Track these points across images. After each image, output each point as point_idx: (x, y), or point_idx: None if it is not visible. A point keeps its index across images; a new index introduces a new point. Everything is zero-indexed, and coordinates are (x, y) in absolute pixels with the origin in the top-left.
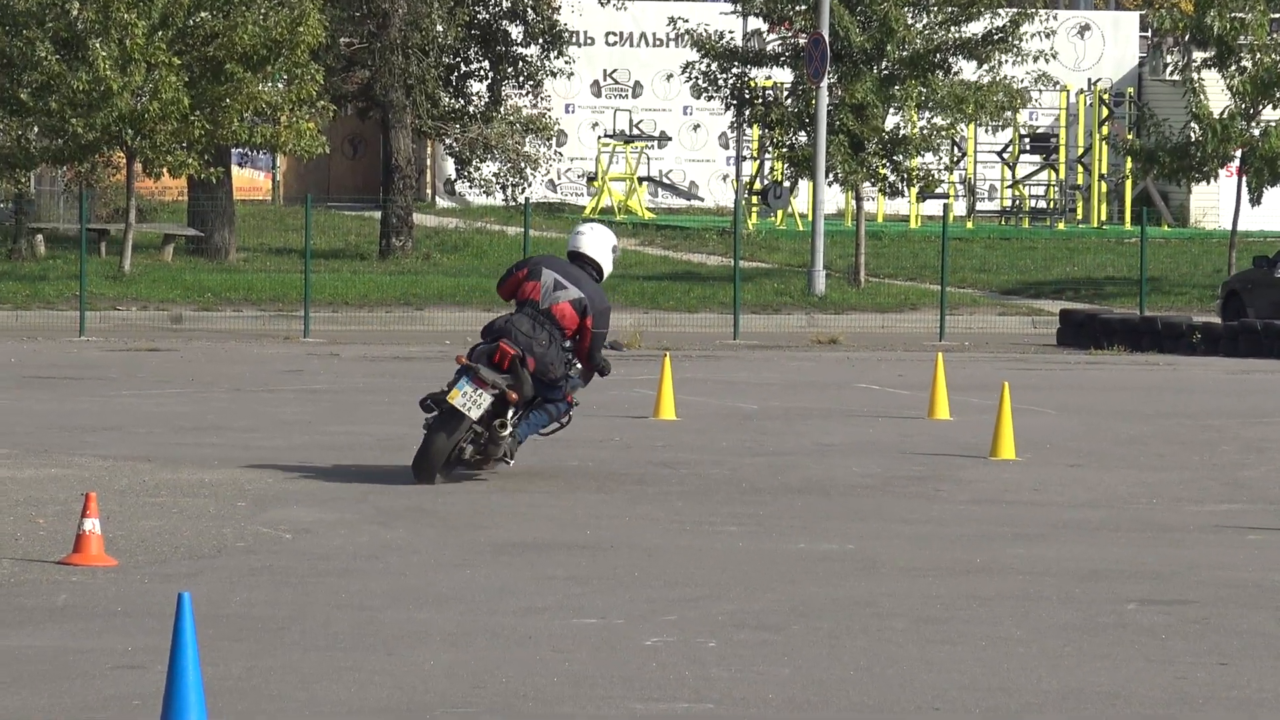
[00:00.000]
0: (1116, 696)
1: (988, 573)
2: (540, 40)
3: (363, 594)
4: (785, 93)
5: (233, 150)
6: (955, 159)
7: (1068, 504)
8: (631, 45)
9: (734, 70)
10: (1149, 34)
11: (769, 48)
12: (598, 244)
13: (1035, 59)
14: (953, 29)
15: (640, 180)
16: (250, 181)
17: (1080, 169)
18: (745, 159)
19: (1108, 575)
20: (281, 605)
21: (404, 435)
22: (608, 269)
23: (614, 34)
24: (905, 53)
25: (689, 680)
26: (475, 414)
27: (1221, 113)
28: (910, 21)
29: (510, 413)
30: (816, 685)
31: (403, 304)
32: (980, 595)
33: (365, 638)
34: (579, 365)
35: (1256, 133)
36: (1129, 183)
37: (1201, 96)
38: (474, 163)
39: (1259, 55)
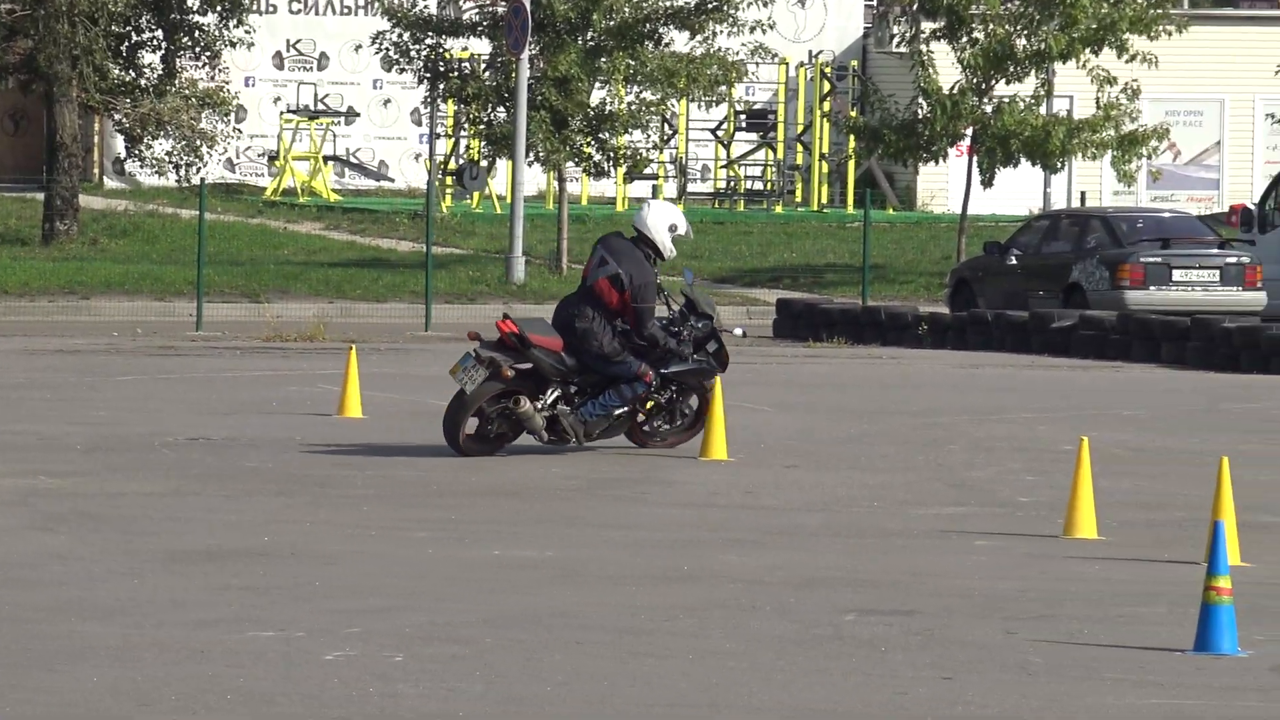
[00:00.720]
0: (833, 713)
1: (696, 581)
2: (218, 8)
3: (21, 606)
4: (483, 65)
5: None
6: (665, 137)
7: (783, 508)
8: (317, 13)
9: (428, 41)
10: (874, 3)
11: (466, 16)
12: (651, 221)
13: (752, 29)
14: None
15: (326, 159)
16: None
17: (800, 148)
18: (439, 137)
19: (825, 584)
20: None
21: (68, 434)
22: (664, 246)
23: (298, 1)
24: (613, 22)
25: (374, 697)
26: (470, 388)
27: (951, 88)
28: None
29: (551, 391)
30: (512, 702)
31: (67, 293)
32: (688, 605)
33: (24, 653)
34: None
35: (988, 109)
36: (852, 163)
37: (930, 70)
38: (145, 140)
39: (991, 26)
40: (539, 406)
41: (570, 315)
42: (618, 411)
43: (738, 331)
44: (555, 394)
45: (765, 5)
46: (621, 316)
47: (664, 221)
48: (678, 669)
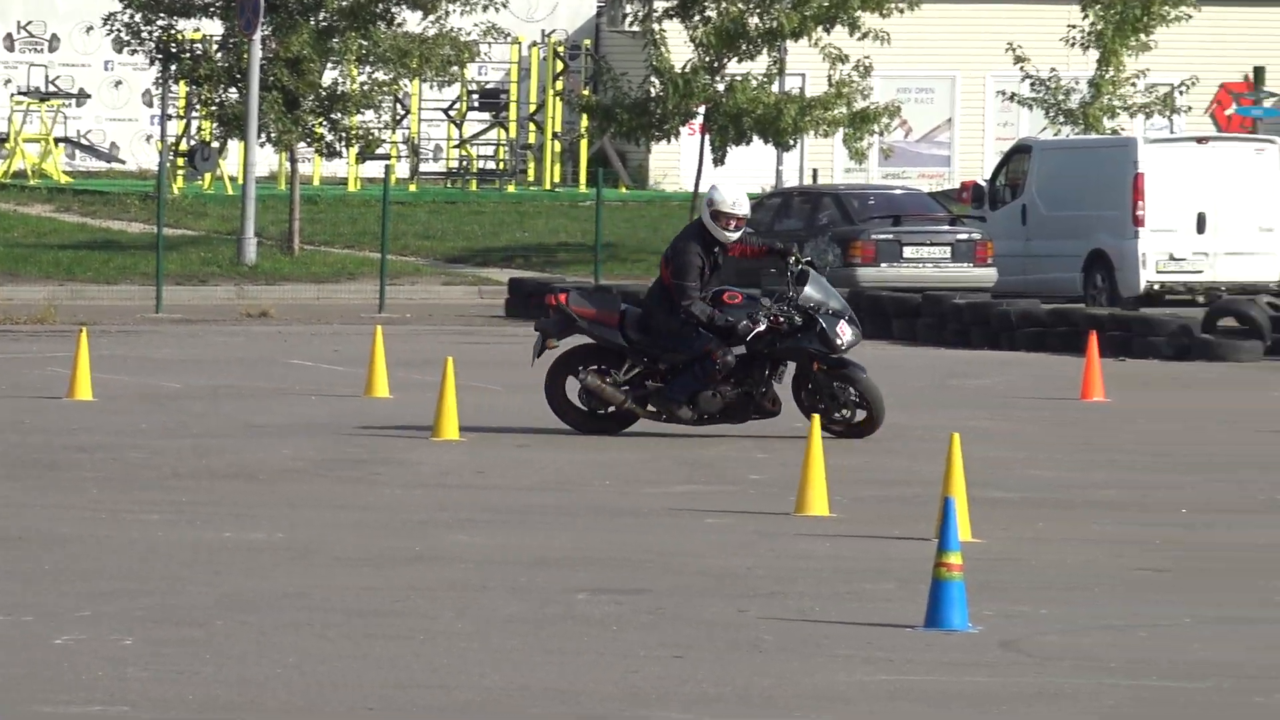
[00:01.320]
0: (565, 693)
1: (428, 561)
2: None
3: None
4: (215, 46)
5: None
6: (398, 117)
7: (514, 487)
8: None
9: (159, 22)
10: None
11: None
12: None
13: (484, 9)
14: None
15: (57, 141)
16: None
17: (532, 127)
18: (171, 118)
19: (557, 563)
20: None
21: None
22: (708, 224)
23: None
24: (345, 3)
25: (103, 681)
26: (532, 360)
27: (684, 66)
28: None
29: (628, 367)
30: (243, 684)
31: None
32: (420, 586)
33: None
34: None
35: (721, 88)
36: (584, 142)
37: (663, 49)
38: None
39: (724, 4)
40: (614, 381)
41: (648, 294)
42: (701, 392)
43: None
44: (634, 370)
45: None
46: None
47: (705, 199)
48: (409, 650)
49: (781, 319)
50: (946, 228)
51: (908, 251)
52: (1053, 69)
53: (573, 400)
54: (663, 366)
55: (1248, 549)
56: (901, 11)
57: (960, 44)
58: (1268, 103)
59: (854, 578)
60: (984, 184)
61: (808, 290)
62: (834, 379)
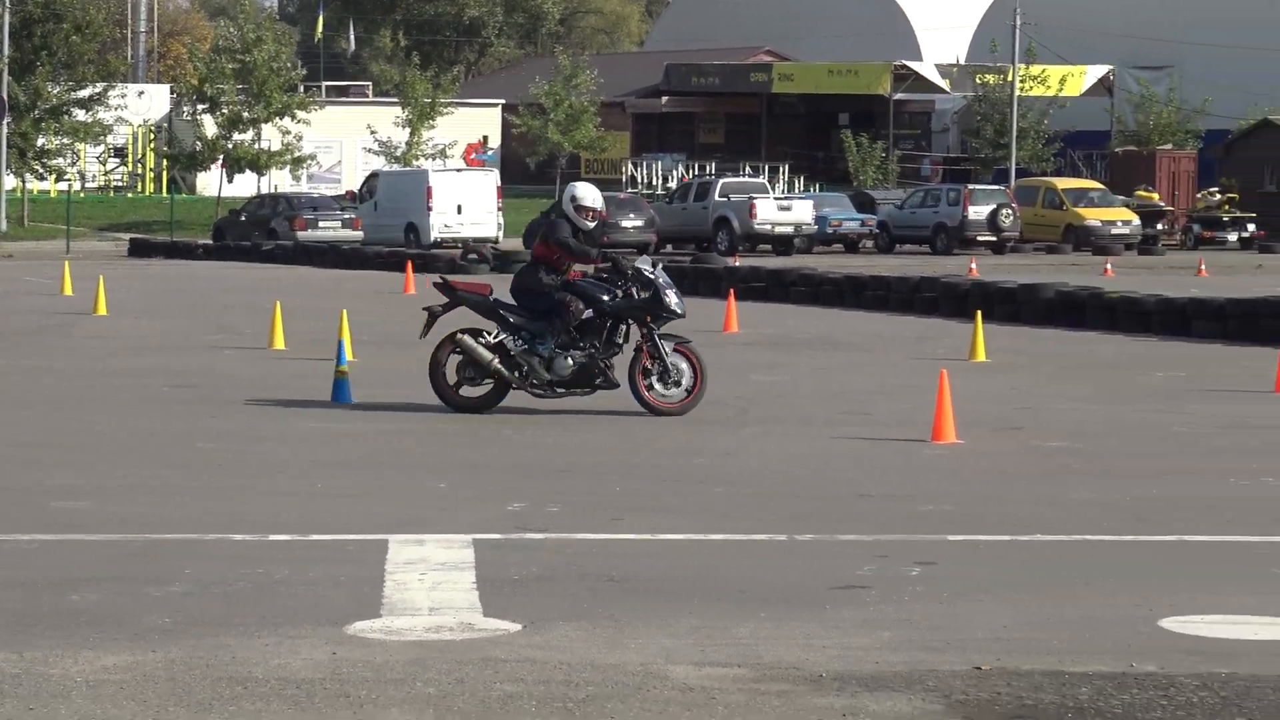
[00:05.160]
0: None
1: None
2: None
3: None
4: None
5: None
6: (74, 160)
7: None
8: None
9: None
10: None
11: None
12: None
13: (116, 109)
14: None
15: None
16: None
17: (140, 168)
18: None
19: None
20: None
21: None
22: (570, 215)
23: None
24: (49, 106)
25: None
26: (421, 335)
27: (213, 135)
28: None
29: (497, 333)
30: None
31: None
32: None
33: None
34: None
35: (230, 145)
36: (165, 173)
37: (201, 126)
38: None
39: (229, 108)
40: (485, 343)
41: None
42: (565, 352)
43: (645, 262)
44: (500, 335)
45: None
46: (547, 264)
47: (568, 194)
48: None
49: (632, 287)
50: (339, 210)
51: (322, 223)
52: (390, 137)
53: (449, 379)
54: (522, 336)
55: None
56: (321, 107)
57: (348, 124)
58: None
59: None
60: (358, 190)
61: (639, 265)
62: (667, 346)
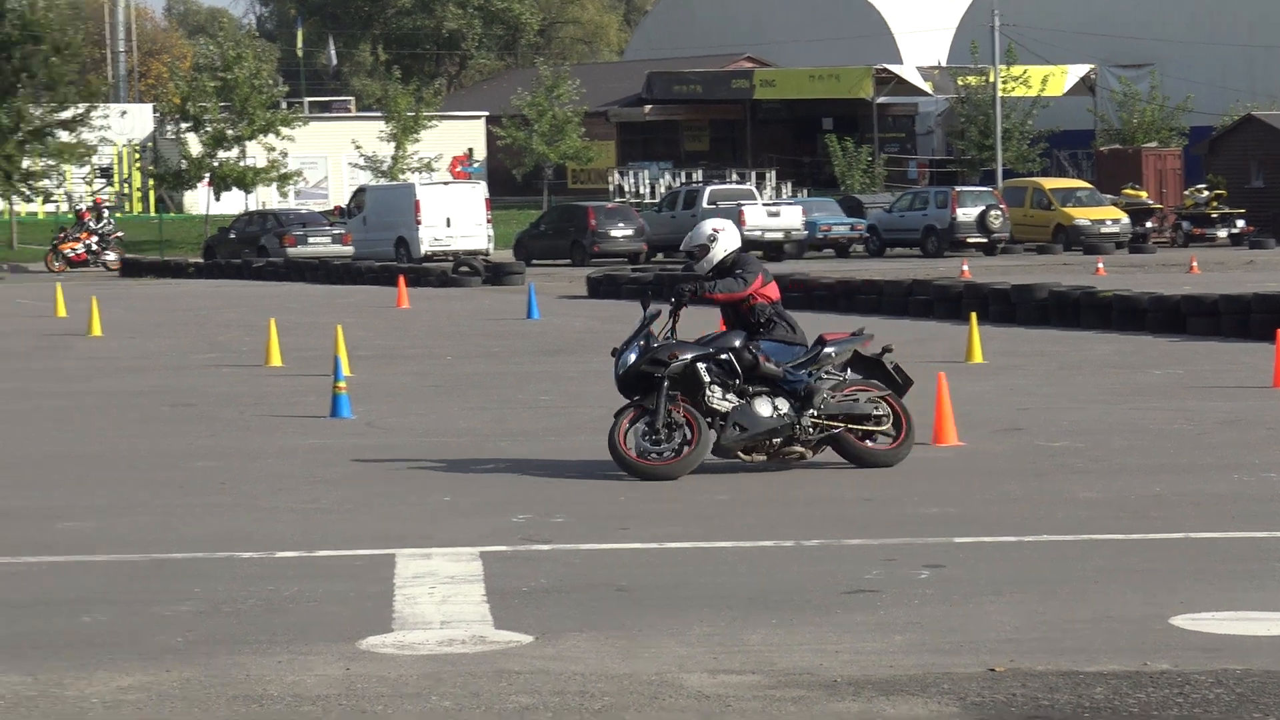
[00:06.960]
0: None
1: None
2: None
3: None
4: None
5: None
6: (60, 182)
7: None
8: None
9: None
10: None
11: None
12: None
13: (100, 129)
14: None
15: None
16: None
17: (126, 188)
18: None
19: None
20: None
21: None
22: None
23: None
24: (31, 128)
25: None
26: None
27: (198, 153)
28: None
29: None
30: None
31: None
32: None
33: None
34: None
35: (216, 163)
36: (152, 191)
37: (187, 144)
38: None
39: (213, 126)
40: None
41: None
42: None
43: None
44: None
45: None
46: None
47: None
48: None
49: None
50: (329, 225)
51: (311, 239)
52: (375, 152)
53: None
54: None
55: None
56: (305, 123)
57: (333, 139)
58: None
59: None
60: (346, 206)
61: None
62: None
